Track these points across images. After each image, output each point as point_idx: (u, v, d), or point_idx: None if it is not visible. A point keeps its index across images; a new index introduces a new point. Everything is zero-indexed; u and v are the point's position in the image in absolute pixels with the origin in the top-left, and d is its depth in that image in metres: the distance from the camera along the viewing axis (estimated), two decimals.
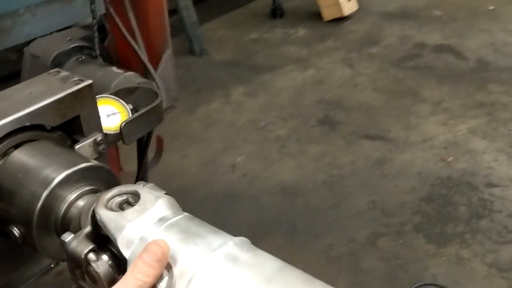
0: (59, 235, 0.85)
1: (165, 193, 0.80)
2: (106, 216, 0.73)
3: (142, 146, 1.52)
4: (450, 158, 3.41)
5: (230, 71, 4.62)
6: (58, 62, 1.29)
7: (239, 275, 0.66)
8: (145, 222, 0.72)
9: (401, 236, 2.88)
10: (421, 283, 2.63)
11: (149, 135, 1.41)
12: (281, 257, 2.77)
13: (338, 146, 3.62)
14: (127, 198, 0.77)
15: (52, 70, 0.99)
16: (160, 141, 2.01)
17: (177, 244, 0.70)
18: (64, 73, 0.98)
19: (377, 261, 2.74)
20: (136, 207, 0.74)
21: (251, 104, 4.15)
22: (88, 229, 0.75)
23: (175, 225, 0.73)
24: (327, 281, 2.60)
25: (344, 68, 4.55)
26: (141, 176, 1.55)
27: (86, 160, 0.89)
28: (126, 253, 0.71)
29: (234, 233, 3.03)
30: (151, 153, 1.97)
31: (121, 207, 0.76)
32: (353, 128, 3.77)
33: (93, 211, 0.76)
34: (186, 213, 0.77)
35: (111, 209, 0.75)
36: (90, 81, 0.96)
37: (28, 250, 0.91)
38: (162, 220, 0.73)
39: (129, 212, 0.73)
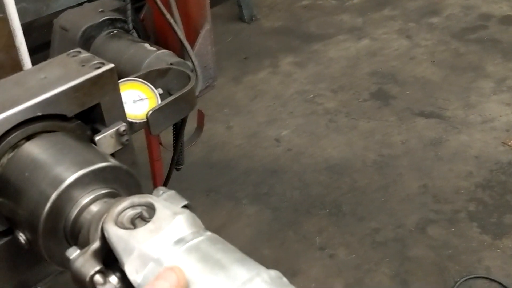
0: (69, 242, 0.76)
1: (187, 204, 0.68)
2: (115, 234, 0.63)
3: (178, 127, 1.42)
4: None
5: (280, 39, 4.45)
6: (88, 36, 1.18)
7: None
8: (159, 245, 0.61)
9: (454, 224, 2.71)
10: (472, 276, 2.47)
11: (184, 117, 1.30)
12: (323, 239, 2.64)
13: (390, 123, 3.43)
14: (141, 212, 0.66)
15: (72, 51, 0.88)
16: (201, 116, 1.91)
17: (195, 275, 0.59)
18: (84, 55, 0.87)
19: (426, 250, 2.60)
20: (149, 225, 0.63)
21: (299, 74, 3.99)
22: (96, 244, 0.65)
23: (195, 249, 0.62)
24: (370, 268, 2.44)
25: (401, 39, 4.30)
26: (176, 158, 1.45)
27: (104, 158, 0.78)
28: (135, 278, 0.61)
29: (276, 211, 2.91)
30: (191, 123, 1.87)
31: (133, 222, 0.65)
32: (408, 104, 3.57)
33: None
34: (209, 233, 0.65)
35: (122, 225, 0.64)
36: (111, 65, 0.84)
37: None
38: (179, 242, 0.62)
39: (141, 231, 0.62)
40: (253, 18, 4.72)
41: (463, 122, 3.36)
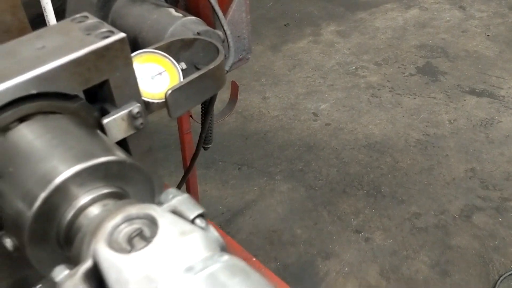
0: (62, 249, 0.63)
1: (202, 213, 0.54)
2: (106, 258, 0.49)
3: (207, 103, 1.27)
4: None
5: (323, 5, 4.23)
6: None
7: None
8: (160, 276, 0.47)
9: (502, 213, 2.54)
10: None
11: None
12: (359, 222, 2.45)
13: (438, 100, 3.22)
14: (140, 229, 0.52)
15: (78, 15, 0.74)
16: (234, 88, 1.75)
17: None
18: (92, 21, 0.73)
19: (470, 239, 2.44)
20: (149, 248, 0.49)
21: (342, 44, 3.77)
22: (88, 264, 0.52)
23: (209, 281, 0.47)
24: (407, 255, 2.24)
25: (453, 9, 4.03)
26: (204, 137, 1.31)
27: (109, 151, 0.64)
28: None
29: (310, 189, 2.71)
30: (224, 95, 1.73)
31: (131, 242, 0.51)
32: (458, 81, 3.34)
33: None
34: (227, 257, 0.50)
35: (117, 246, 0.51)
36: (122, 35, 0.69)
37: None
38: (188, 271, 0.48)
39: (139, 256, 0.48)
40: None
41: None
